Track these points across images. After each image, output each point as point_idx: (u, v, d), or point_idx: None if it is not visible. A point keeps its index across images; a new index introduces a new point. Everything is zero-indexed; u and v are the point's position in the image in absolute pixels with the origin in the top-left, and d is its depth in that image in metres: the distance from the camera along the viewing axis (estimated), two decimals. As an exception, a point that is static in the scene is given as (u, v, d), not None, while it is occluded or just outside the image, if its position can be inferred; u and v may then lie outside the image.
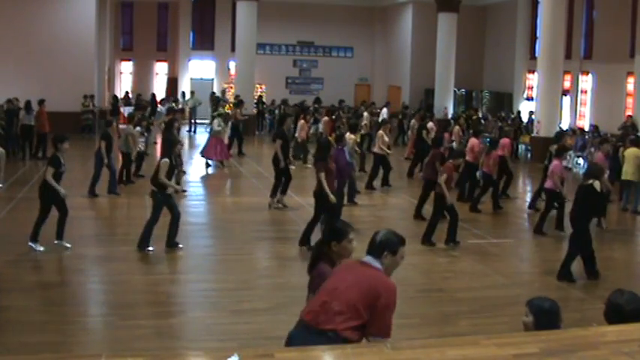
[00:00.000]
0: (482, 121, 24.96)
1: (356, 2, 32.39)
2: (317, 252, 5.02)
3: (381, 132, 16.08)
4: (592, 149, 19.79)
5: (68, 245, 9.94)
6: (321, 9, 31.76)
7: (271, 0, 28.95)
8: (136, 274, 9.21)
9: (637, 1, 21.95)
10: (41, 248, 9.82)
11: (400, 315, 8.44)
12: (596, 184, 9.32)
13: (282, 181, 13.55)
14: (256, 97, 28.52)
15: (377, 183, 15.81)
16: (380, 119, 23.56)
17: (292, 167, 17.98)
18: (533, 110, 25.07)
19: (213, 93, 28.89)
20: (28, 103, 19.26)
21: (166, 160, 9.99)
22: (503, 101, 28.23)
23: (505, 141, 15.39)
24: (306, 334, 4.22)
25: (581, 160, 20.07)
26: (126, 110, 28.21)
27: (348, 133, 14.64)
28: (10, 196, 13.50)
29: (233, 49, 29.06)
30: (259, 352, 3.47)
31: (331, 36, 32.36)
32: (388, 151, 15.98)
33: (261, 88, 30.84)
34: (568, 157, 17.71)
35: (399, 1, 31.26)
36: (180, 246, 10.25)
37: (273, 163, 13.62)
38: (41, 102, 19.46)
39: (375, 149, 16.08)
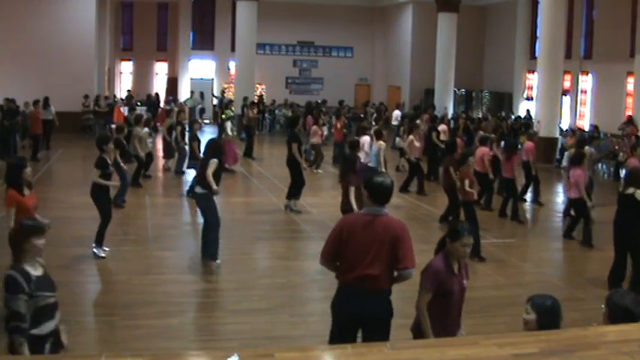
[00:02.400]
0: (483, 121, 24.94)
1: (356, 2, 32.39)
2: (439, 246, 5.17)
3: (411, 137, 15.65)
4: (592, 149, 19.78)
5: (103, 254, 9.78)
6: (321, 9, 31.76)
7: (271, 0, 28.95)
8: (136, 274, 9.21)
9: (637, 1, 21.95)
10: (103, 254, 9.72)
11: (400, 315, 8.45)
12: (638, 194, 8.80)
13: (295, 184, 13.30)
14: (257, 97, 28.49)
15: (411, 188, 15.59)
16: (395, 122, 23.29)
17: (320, 172, 17.83)
18: (530, 109, 25.15)
19: (222, 97, 28.61)
20: (46, 100, 20.63)
21: (215, 159, 9.44)
22: (503, 101, 28.22)
23: (529, 145, 14.67)
24: (356, 296, 5.12)
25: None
26: (125, 111, 28.25)
27: (366, 139, 14.13)
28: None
29: (233, 49, 29.06)
30: (259, 352, 3.47)
31: (331, 36, 32.36)
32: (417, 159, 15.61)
33: (261, 88, 30.84)
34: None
35: (399, 1, 31.26)
36: (219, 262, 9.66)
37: (289, 166, 13.35)
38: (35, 103, 19.41)
39: (408, 155, 15.73)
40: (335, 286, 8.99)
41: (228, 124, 17.75)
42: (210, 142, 10.03)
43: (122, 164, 13.22)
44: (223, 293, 8.66)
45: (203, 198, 9.46)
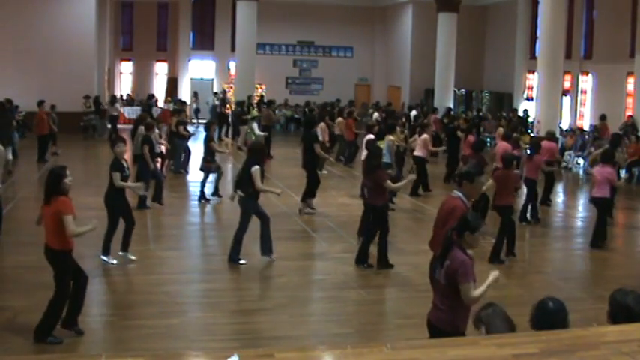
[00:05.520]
0: (484, 121, 24.93)
1: (356, 2, 32.39)
2: (448, 242, 5.30)
3: (426, 136, 15.40)
4: (592, 149, 19.80)
5: (133, 257, 9.65)
6: (321, 9, 31.76)
7: (271, 0, 28.96)
8: (136, 274, 9.21)
9: (637, 1, 21.95)
10: (114, 261, 9.54)
11: (400, 315, 8.47)
12: None
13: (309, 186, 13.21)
14: (257, 97, 28.39)
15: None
16: (413, 122, 23.00)
17: (324, 172, 17.66)
18: (527, 109, 25.13)
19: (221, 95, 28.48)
20: (113, 98, 24.23)
21: (258, 167, 9.51)
22: (503, 101, 28.22)
23: (549, 145, 14.37)
24: (435, 258, 6.02)
25: (581, 161, 20.06)
26: (126, 111, 28.23)
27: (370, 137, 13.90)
28: (10, 196, 13.49)
29: (233, 49, 29.05)
30: (259, 352, 3.47)
31: (331, 36, 32.35)
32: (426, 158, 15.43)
33: (261, 88, 30.84)
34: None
35: (399, 1, 31.26)
36: (274, 257, 9.88)
37: (305, 167, 13.26)
38: (40, 103, 19.28)
39: (417, 152, 15.39)
40: (333, 287, 9.04)
41: (255, 125, 17.58)
42: (252, 146, 10.07)
43: (150, 163, 13.02)
44: (223, 293, 8.66)
45: (248, 203, 9.69)
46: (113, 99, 24.02)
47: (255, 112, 20.04)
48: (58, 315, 6.86)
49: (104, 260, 9.53)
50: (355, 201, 14.68)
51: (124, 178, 9.54)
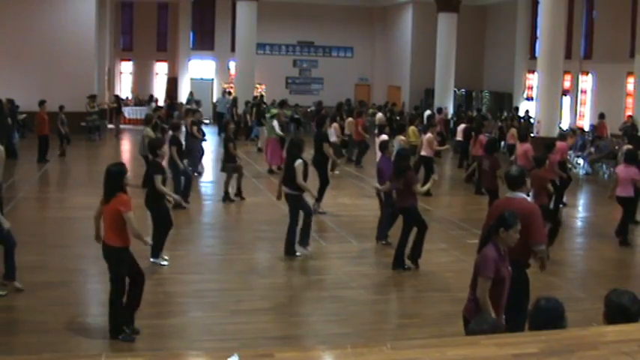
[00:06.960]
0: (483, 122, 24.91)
1: (356, 2, 32.40)
2: (486, 237, 5.43)
3: (430, 135, 15.49)
4: (592, 149, 19.81)
5: (165, 262, 9.59)
6: (321, 9, 31.76)
7: (271, 0, 28.96)
8: (136, 274, 9.19)
9: (637, 1, 21.96)
10: (165, 262, 9.57)
11: (400, 315, 8.47)
12: None
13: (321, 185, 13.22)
14: (257, 97, 28.37)
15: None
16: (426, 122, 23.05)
17: (337, 172, 17.62)
18: (528, 109, 25.14)
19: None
20: (151, 97, 26.65)
21: (301, 161, 9.82)
22: (504, 101, 28.22)
23: (562, 145, 14.24)
24: None
25: (581, 160, 20.05)
26: (127, 111, 28.24)
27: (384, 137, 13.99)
28: (10, 196, 13.48)
29: (233, 49, 29.07)
30: (259, 352, 3.47)
31: (331, 36, 32.36)
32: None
33: (261, 88, 30.84)
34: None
35: (399, 1, 31.26)
36: (309, 248, 10.26)
37: (315, 166, 13.23)
38: (41, 103, 19.22)
39: (422, 152, 15.43)
40: (333, 287, 9.05)
41: (275, 123, 17.58)
42: (291, 142, 10.25)
43: (180, 163, 13.02)
44: (223, 293, 8.66)
45: (295, 199, 10.00)
46: (151, 98, 25.53)
47: (274, 111, 19.98)
48: (121, 312, 6.94)
49: (156, 263, 9.52)
50: (355, 201, 14.71)
51: (163, 180, 9.58)
